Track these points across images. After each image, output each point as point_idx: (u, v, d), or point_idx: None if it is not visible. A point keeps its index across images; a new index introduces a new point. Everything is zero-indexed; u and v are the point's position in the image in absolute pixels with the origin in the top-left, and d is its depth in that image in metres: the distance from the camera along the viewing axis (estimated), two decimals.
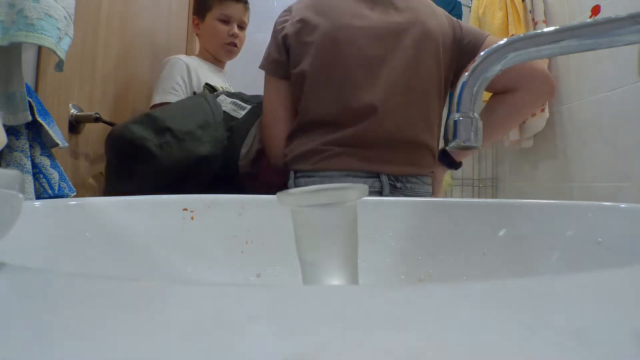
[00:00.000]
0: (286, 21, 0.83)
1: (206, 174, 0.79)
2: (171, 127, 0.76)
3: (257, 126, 0.86)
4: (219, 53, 1.19)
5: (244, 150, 0.82)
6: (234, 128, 0.83)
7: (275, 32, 0.84)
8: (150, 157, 0.73)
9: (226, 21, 1.14)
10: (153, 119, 0.77)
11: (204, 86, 1.04)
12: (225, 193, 0.46)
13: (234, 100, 0.88)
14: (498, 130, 0.86)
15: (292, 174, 0.78)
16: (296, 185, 0.76)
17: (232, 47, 1.18)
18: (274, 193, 0.30)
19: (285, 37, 0.81)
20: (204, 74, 1.12)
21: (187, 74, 1.06)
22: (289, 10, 0.85)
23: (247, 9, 1.19)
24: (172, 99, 1.00)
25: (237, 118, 0.85)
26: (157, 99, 1.03)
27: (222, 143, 0.80)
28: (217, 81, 1.15)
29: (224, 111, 0.85)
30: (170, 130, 0.75)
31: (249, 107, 0.87)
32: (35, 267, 0.14)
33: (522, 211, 0.41)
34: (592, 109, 1.16)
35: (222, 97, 0.88)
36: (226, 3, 1.13)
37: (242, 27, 1.19)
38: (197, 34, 1.22)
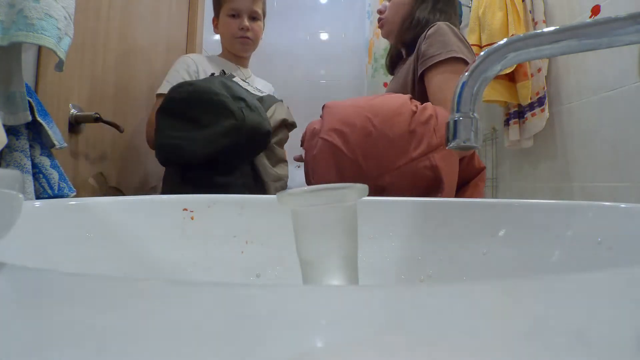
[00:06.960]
0: None
1: (259, 147, 0.91)
2: (244, 98, 0.85)
3: (278, 105, 0.98)
4: (235, 48, 1.17)
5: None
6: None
7: None
8: (229, 116, 0.83)
9: (236, 15, 1.12)
10: (228, 87, 0.86)
11: (221, 72, 1.07)
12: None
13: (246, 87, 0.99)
14: None
15: None
16: None
17: (244, 39, 1.14)
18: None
19: None
20: (216, 69, 1.12)
21: (194, 70, 1.10)
22: None
23: None
24: None
25: (261, 95, 0.97)
26: (160, 90, 1.07)
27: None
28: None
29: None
30: (244, 100, 0.85)
31: (264, 94, 0.99)
32: (35, 267, 0.14)
33: (522, 211, 0.41)
34: (592, 109, 1.16)
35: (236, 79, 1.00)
36: None
37: (255, 17, 1.15)
38: (218, 34, 1.20)
